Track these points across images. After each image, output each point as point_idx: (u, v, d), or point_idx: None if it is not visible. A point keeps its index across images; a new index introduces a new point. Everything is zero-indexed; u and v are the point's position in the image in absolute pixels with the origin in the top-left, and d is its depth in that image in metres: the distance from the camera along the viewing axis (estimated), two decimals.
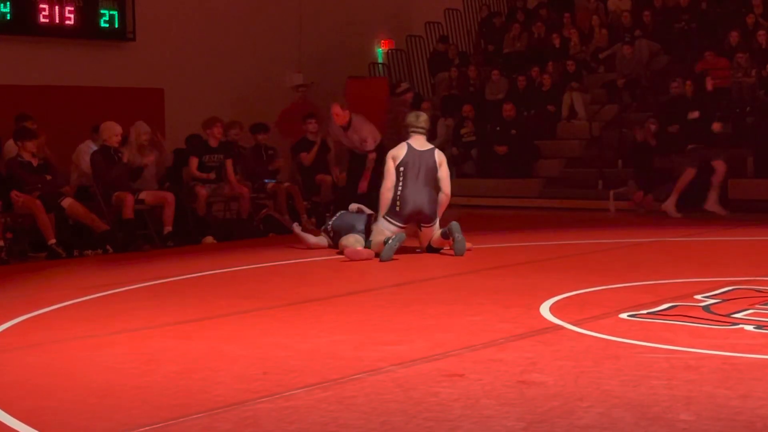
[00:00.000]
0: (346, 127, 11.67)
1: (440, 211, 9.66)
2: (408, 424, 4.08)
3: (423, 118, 9.91)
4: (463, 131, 17.23)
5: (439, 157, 9.72)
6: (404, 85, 16.79)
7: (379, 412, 4.26)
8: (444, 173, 9.65)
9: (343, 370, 4.96)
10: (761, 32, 16.04)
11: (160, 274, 8.76)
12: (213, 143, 12.25)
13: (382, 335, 5.87)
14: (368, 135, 11.71)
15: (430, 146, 9.79)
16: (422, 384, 4.67)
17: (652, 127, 14.95)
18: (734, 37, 16.31)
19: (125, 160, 11.28)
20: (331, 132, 12.18)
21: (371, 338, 5.77)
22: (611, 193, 14.87)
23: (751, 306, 6.45)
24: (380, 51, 20.77)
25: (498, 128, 16.78)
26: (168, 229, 11.20)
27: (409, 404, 4.35)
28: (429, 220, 9.52)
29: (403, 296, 7.39)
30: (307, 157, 13.44)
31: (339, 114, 11.61)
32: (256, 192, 12.81)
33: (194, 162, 12.11)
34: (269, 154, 13.37)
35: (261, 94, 17.46)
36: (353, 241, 9.53)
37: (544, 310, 6.46)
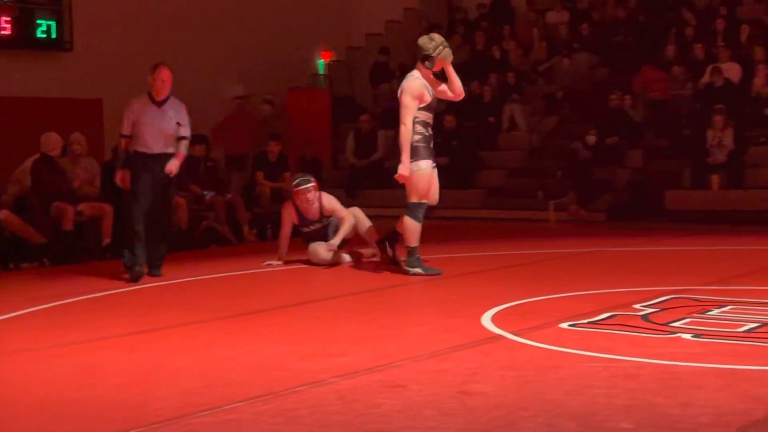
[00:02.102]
0: (162, 102, 9.05)
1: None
2: None
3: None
4: None
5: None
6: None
7: (322, 424, 4.25)
8: (402, 102, 8.60)
9: (286, 382, 4.93)
10: (698, 45, 16.31)
11: (101, 286, 8.65)
12: None
13: (326, 346, 5.86)
14: (187, 120, 9.25)
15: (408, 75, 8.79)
16: (365, 395, 4.66)
17: (592, 139, 15.15)
18: (671, 50, 16.57)
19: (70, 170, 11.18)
20: (133, 110, 9.03)
21: (315, 350, 5.76)
22: (551, 203, 15.02)
23: (688, 315, 6.54)
24: (321, 62, 20.78)
25: (439, 139, 16.85)
26: (107, 240, 11.07)
27: (352, 416, 4.35)
28: None
29: (347, 307, 7.37)
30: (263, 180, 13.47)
31: (168, 81, 9.09)
32: (196, 204, 12.70)
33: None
34: (208, 166, 13.28)
35: (201, 105, 17.33)
36: (323, 252, 9.54)
37: (486, 320, 6.49)
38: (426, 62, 8.66)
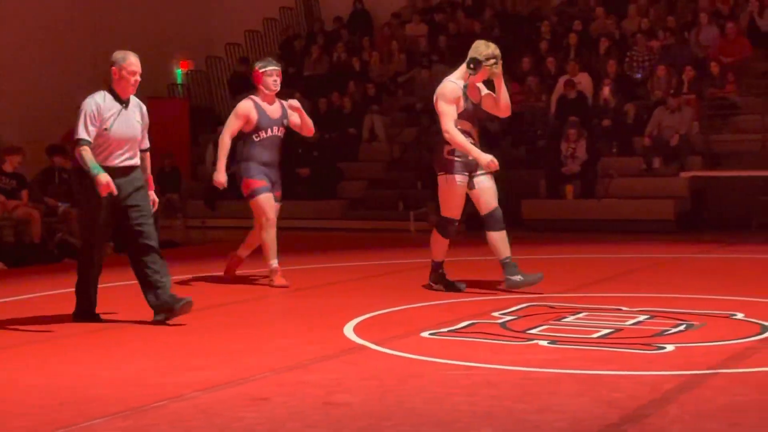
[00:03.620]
0: (128, 102, 7.14)
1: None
2: None
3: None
4: None
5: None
6: None
7: None
8: (437, 110, 8.08)
9: (145, 397, 4.84)
10: (550, 59, 16.76)
11: None
12: (8, 168, 12.09)
13: (187, 360, 5.77)
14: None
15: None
16: (226, 409, 4.61)
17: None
18: (526, 62, 16.97)
19: None
20: (98, 110, 6.90)
21: (175, 364, 5.66)
22: (411, 214, 15.17)
23: (545, 322, 6.70)
24: (179, 72, 20.53)
25: (300, 150, 16.85)
26: None
27: (213, 430, 4.30)
28: None
29: (208, 320, 7.27)
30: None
31: (139, 75, 7.22)
32: (48, 216, 12.37)
33: None
34: (63, 178, 12.95)
35: (54, 114, 16.91)
36: None
37: (349, 330, 6.51)
38: (471, 65, 8.06)
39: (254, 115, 8.52)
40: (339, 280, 9.22)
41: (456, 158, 7.97)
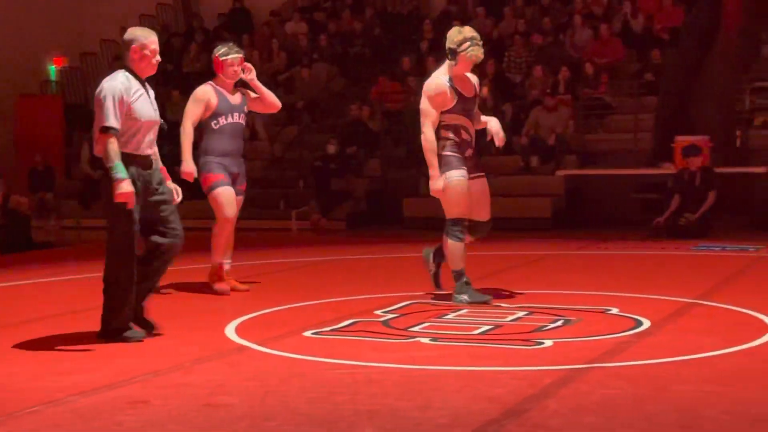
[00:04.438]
0: (146, 84, 6.42)
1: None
2: None
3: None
4: None
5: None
6: None
7: None
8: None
9: (19, 402, 4.69)
10: (431, 58, 16.91)
11: None
12: None
13: (61, 364, 5.62)
14: None
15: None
16: (105, 413, 4.51)
17: (332, 148, 15.40)
18: (406, 62, 17.09)
19: None
20: (125, 92, 6.13)
21: (49, 368, 5.51)
22: (293, 213, 15.13)
23: (426, 319, 6.75)
24: (53, 68, 20.03)
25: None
26: None
27: None
28: None
29: (82, 323, 7.10)
30: None
31: None
32: None
33: None
34: None
35: None
36: None
37: (230, 331, 6.44)
38: (449, 56, 7.42)
39: (214, 100, 8.06)
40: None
41: (450, 154, 7.48)
